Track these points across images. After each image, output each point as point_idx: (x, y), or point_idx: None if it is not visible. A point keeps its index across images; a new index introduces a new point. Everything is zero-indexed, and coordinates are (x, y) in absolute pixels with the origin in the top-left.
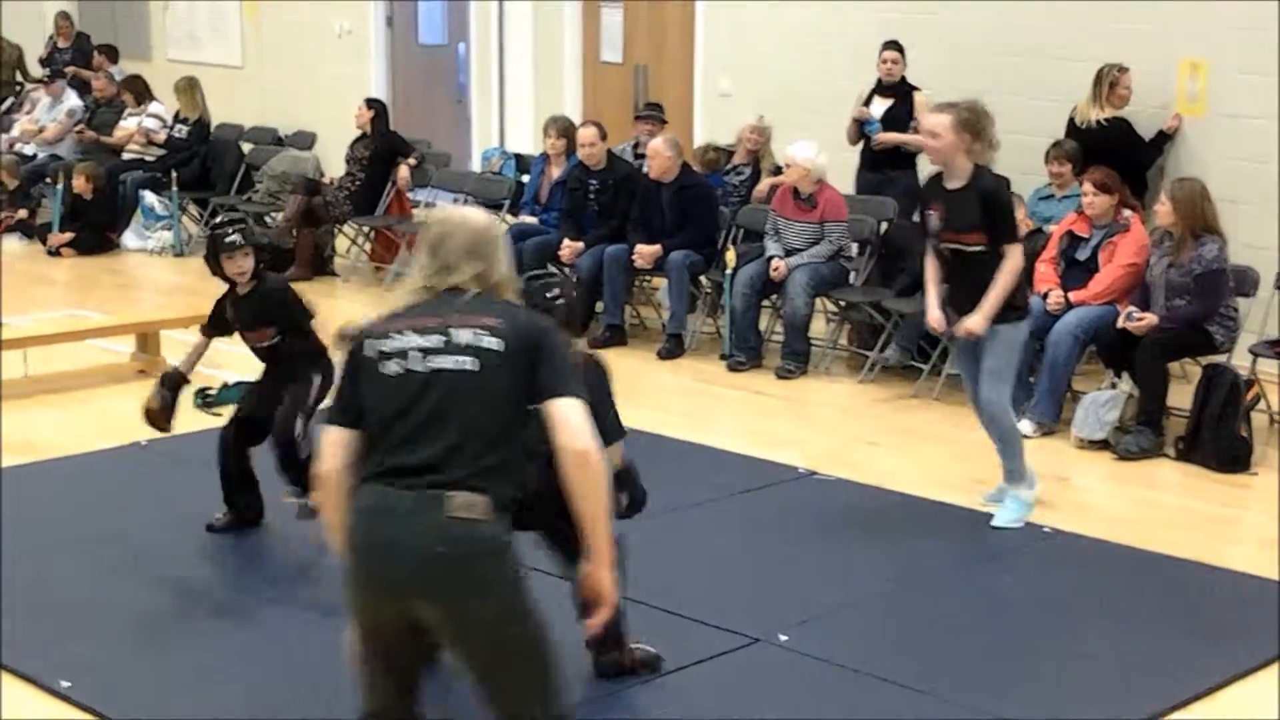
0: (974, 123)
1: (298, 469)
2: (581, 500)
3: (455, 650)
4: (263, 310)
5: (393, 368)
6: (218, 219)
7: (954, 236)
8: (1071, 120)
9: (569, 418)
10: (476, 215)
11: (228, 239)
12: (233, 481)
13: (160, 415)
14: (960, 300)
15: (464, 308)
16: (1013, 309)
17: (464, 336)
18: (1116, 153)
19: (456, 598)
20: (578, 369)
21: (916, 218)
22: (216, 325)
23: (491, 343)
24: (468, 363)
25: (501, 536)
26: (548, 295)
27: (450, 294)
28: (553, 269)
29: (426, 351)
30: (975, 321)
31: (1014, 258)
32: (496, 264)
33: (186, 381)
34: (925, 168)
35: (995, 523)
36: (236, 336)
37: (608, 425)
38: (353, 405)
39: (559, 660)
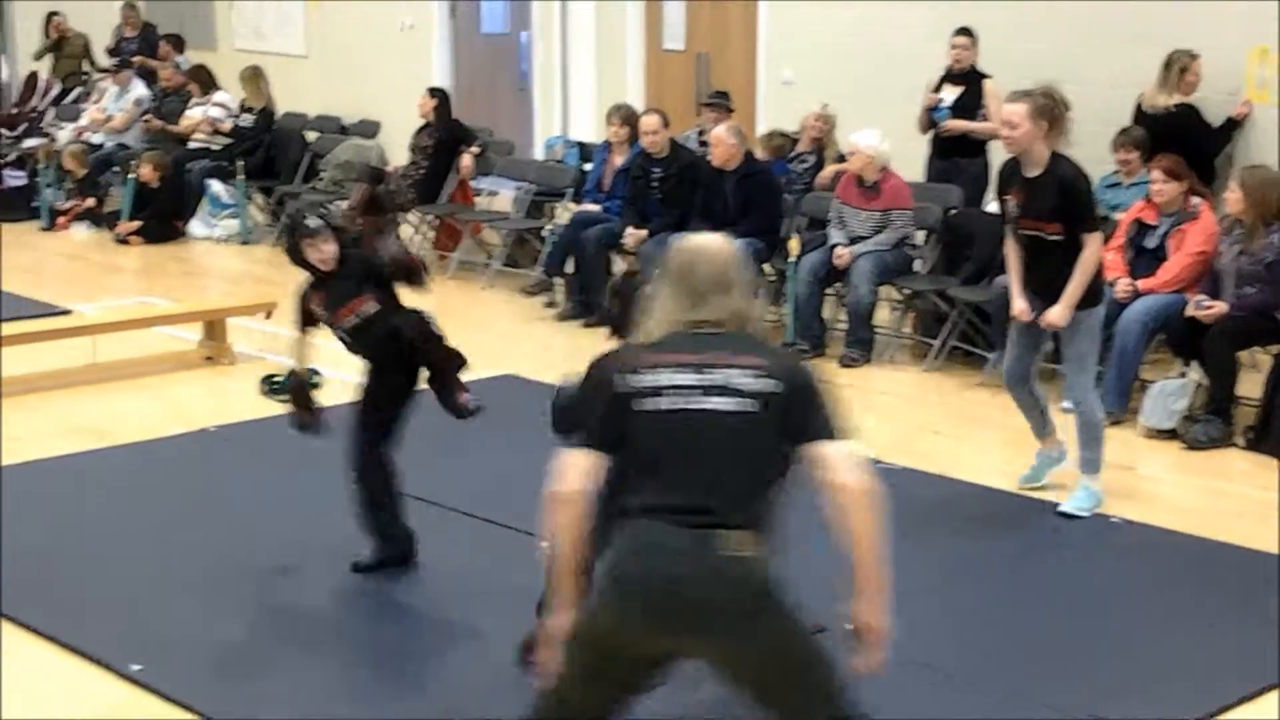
0: (1050, 109)
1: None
2: (859, 539)
3: (734, 680)
4: (362, 277)
5: (653, 405)
6: (288, 207)
7: (1032, 224)
8: (1139, 107)
9: (841, 458)
10: (721, 244)
11: (309, 224)
12: (383, 509)
13: (310, 419)
14: (1038, 287)
15: (724, 345)
16: (1090, 295)
17: (731, 377)
18: (1184, 140)
19: (736, 635)
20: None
21: (995, 205)
22: (309, 319)
23: (761, 385)
24: (735, 404)
25: (773, 571)
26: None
27: (703, 329)
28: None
29: (691, 390)
30: (1057, 313)
31: (1093, 246)
32: (744, 295)
33: (310, 375)
34: (995, 155)
35: (1064, 508)
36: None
37: None
38: (600, 431)
39: (836, 662)
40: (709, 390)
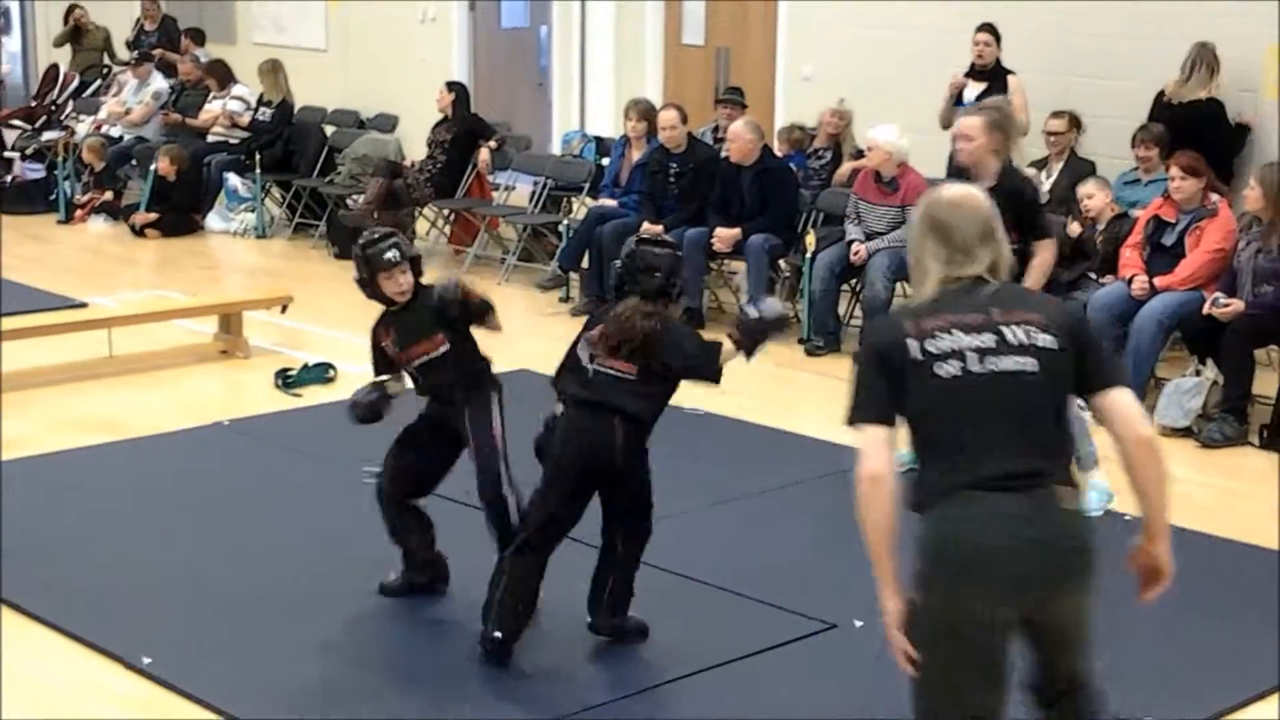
0: (1004, 124)
1: (508, 526)
2: (1149, 484)
3: (1061, 632)
4: (432, 315)
5: (949, 370)
6: (363, 237)
7: None
8: (1160, 97)
9: (1128, 407)
10: (975, 193)
11: (386, 255)
12: (397, 530)
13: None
14: None
15: (1001, 301)
16: None
17: (1018, 335)
18: (1206, 135)
19: (1084, 588)
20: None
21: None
22: (386, 364)
23: (1047, 340)
24: (1029, 363)
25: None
26: (653, 262)
27: (974, 285)
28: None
29: (987, 352)
30: None
31: (1045, 253)
32: (1004, 246)
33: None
34: (1016, 152)
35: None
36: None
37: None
38: (888, 402)
39: None
40: (1004, 350)
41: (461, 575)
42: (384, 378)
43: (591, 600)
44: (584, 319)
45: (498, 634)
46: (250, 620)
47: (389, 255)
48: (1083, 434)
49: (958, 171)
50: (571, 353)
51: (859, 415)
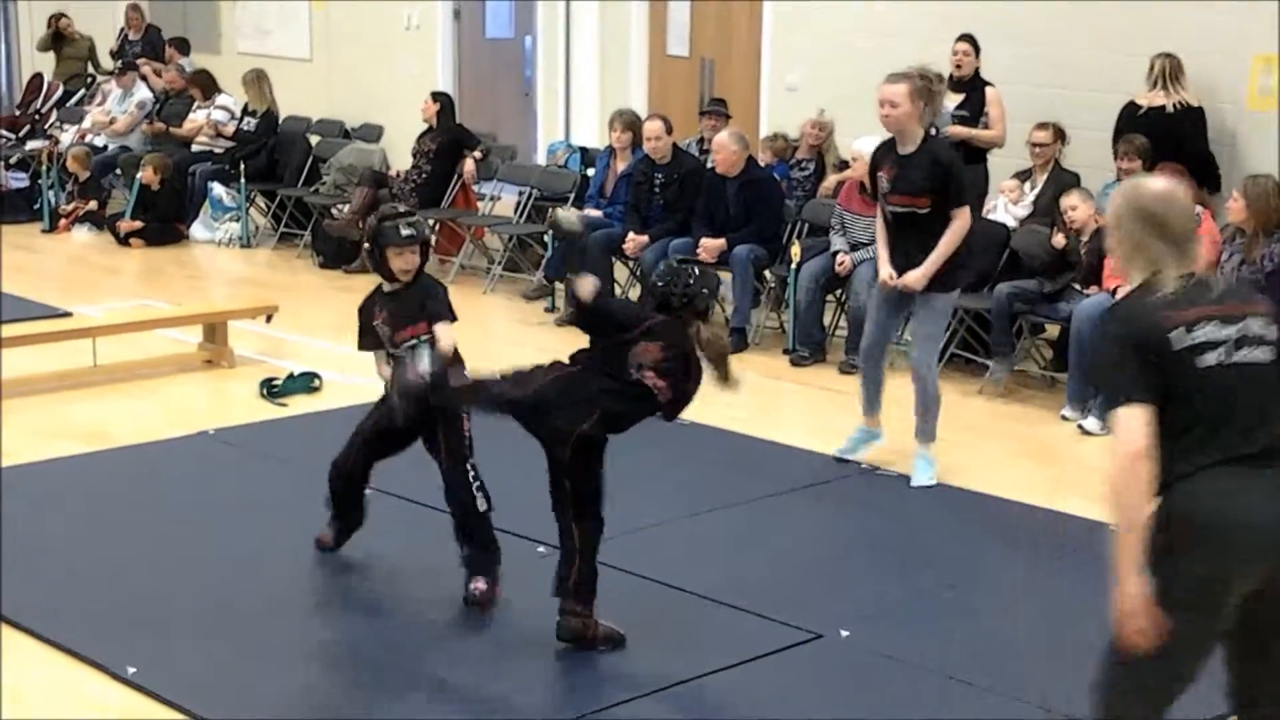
0: (927, 90)
1: (479, 534)
2: None
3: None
4: (423, 304)
5: (1209, 359)
6: (385, 208)
7: (905, 199)
8: (1132, 107)
9: None
10: (1179, 187)
11: (404, 232)
12: (347, 500)
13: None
14: (909, 259)
15: (1236, 295)
16: (949, 278)
17: (1253, 326)
18: (1184, 143)
19: None
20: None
21: (997, 213)
22: (370, 337)
23: (1274, 332)
24: (1266, 353)
25: None
26: (689, 284)
27: (1203, 277)
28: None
29: (1235, 343)
30: (915, 277)
31: (962, 219)
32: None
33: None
34: (997, 162)
35: (915, 483)
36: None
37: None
38: (1152, 385)
39: None
40: (1249, 341)
41: (434, 579)
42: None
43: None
44: (569, 328)
45: None
46: (235, 629)
47: (406, 232)
48: (930, 411)
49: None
50: (591, 361)
51: (1128, 393)
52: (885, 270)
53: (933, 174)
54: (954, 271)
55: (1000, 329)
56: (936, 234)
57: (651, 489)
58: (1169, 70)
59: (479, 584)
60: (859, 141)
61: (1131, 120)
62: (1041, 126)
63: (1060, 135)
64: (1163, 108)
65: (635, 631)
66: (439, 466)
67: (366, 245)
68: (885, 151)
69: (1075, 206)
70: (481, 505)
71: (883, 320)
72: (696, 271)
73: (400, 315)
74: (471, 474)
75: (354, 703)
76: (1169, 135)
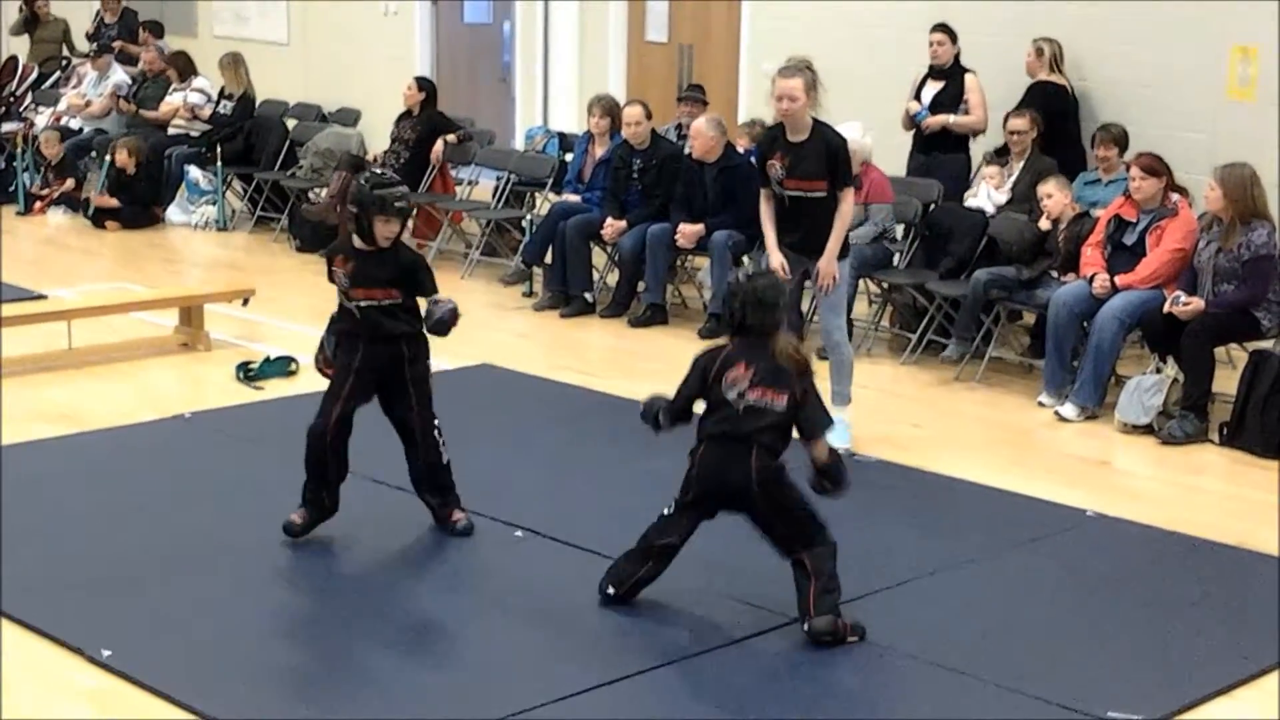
0: (815, 82)
1: (444, 482)
2: None
3: None
4: (398, 272)
5: None
6: (366, 175)
7: (799, 184)
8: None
9: None
10: None
11: (398, 203)
12: (326, 478)
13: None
14: (803, 241)
15: None
16: (845, 247)
17: None
18: (1054, 118)
19: None
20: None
21: (975, 199)
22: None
23: None
24: None
25: None
26: (745, 300)
27: None
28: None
29: None
30: (828, 265)
31: (848, 200)
32: None
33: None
34: (977, 150)
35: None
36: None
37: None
38: None
39: None
40: None
41: (409, 558)
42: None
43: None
44: (546, 313)
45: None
46: (211, 612)
47: (400, 204)
48: (843, 376)
49: (919, 169)
50: (693, 390)
51: None
52: (776, 259)
53: (826, 159)
54: (845, 241)
55: (969, 313)
56: (829, 213)
57: (616, 470)
58: (1046, 49)
59: (459, 515)
60: (843, 127)
61: (1029, 94)
62: (1018, 114)
63: (1037, 123)
64: (1047, 84)
65: (610, 616)
66: (402, 427)
67: (353, 208)
68: (773, 141)
69: (1051, 195)
70: (445, 459)
71: (793, 290)
72: (756, 285)
73: (366, 275)
74: (438, 431)
75: (330, 682)
76: (1051, 105)
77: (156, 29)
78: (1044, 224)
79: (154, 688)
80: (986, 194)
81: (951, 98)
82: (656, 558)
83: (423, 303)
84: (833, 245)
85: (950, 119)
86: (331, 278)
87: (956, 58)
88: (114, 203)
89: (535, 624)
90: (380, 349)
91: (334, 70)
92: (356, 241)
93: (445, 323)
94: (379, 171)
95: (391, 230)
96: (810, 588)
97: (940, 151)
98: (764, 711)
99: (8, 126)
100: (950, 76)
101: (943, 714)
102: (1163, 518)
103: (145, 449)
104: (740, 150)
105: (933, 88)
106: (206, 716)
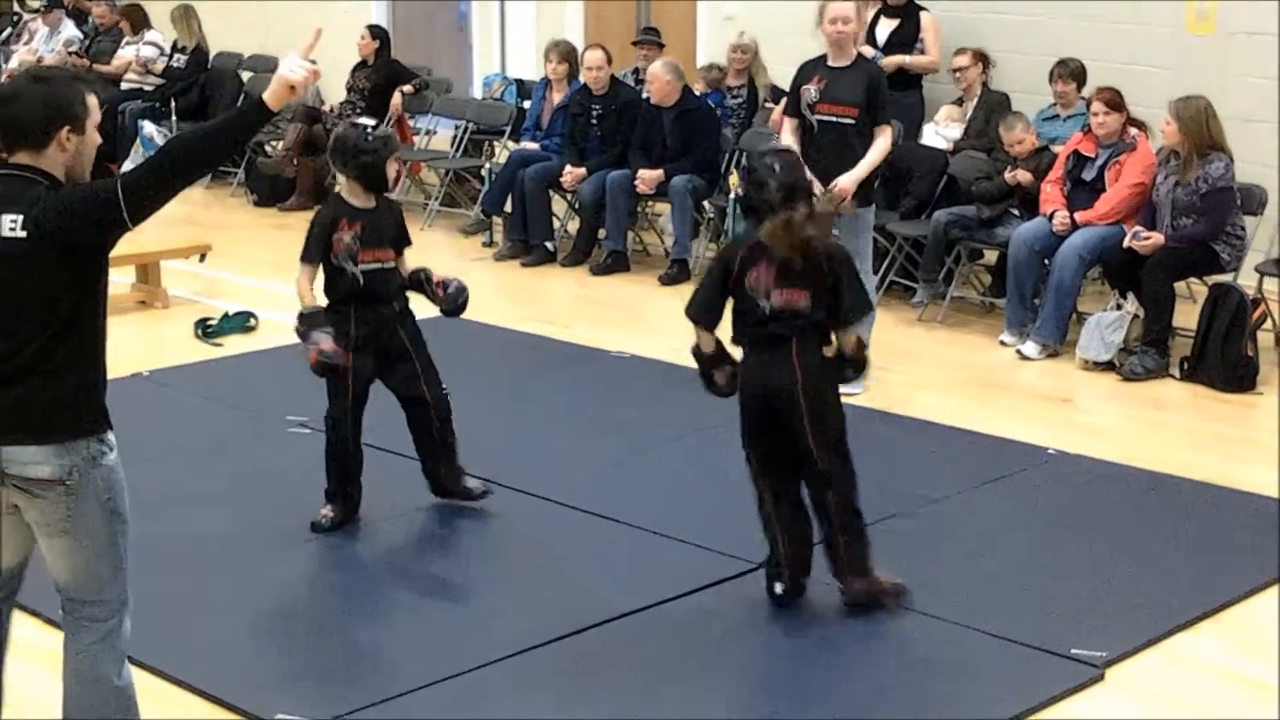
0: (864, 10)
1: (454, 446)
2: None
3: None
4: (396, 229)
5: None
6: (363, 121)
7: (832, 108)
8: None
9: None
10: None
11: (397, 149)
12: (348, 469)
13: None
14: (827, 174)
15: None
16: (871, 192)
17: None
18: None
19: None
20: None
21: (932, 138)
22: (318, 247)
23: None
24: None
25: None
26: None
27: None
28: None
29: None
30: (849, 182)
31: (885, 136)
32: None
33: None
34: (931, 89)
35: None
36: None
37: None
38: None
39: None
40: None
41: (383, 522)
42: (317, 307)
43: (834, 572)
44: (507, 262)
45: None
46: (174, 573)
47: (393, 145)
48: (867, 331)
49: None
50: (720, 298)
51: None
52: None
53: (865, 88)
54: (873, 187)
55: (932, 255)
56: (856, 149)
57: (590, 422)
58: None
59: (473, 481)
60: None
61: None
62: (960, 52)
63: (982, 59)
64: None
65: (576, 566)
66: (407, 392)
67: (366, 158)
68: (814, 65)
69: (1021, 140)
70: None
71: None
72: (756, 166)
73: (372, 234)
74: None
75: (297, 645)
76: None
77: None
78: (1024, 177)
79: None
80: (934, 131)
81: (906, 35)
82: (787, 528)
83: (407, 263)
84: (861, 168)
85: (906, 59)
86: (331, 247)
87: None
88: None
89: (499, 577)
90: (371, 313)
91: (288, 21)
92: (352, 199)
93: (463, 305)
94: (338, 121)
95: (396, 172)
96: (840, 544)
97: (895, 90)
98: (727, 659)
99: None
100: (905, 15)
101: (906, 653)
102: (1125, 453)
103: None
104: (697, 94)
105: (887, 25)
106: (171, 677)
